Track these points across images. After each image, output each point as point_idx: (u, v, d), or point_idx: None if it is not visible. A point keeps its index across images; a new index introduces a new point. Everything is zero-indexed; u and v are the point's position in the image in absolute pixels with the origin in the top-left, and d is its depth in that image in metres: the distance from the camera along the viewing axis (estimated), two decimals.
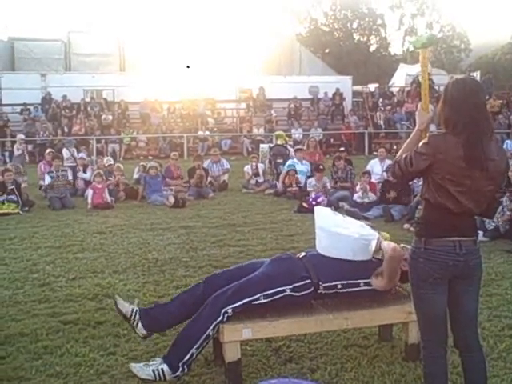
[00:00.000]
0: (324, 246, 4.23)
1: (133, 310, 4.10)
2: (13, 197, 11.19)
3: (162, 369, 3.81)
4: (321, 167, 12.35)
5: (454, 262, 3.10)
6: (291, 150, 15.33)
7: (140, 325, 4.03)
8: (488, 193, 3.12)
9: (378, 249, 4.12)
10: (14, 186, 11.34)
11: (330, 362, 4.21)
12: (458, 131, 3.02)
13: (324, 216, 4.41)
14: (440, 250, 3.10)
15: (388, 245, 4.02)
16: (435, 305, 3.19)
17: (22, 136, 19.77)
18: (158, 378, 3.80)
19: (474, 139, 3.00)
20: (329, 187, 11.80)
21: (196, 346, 3.84)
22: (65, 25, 35.00)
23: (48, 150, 15.26)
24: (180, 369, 3.82)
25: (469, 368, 3.29)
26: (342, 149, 15.75)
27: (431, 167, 3.04)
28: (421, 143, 3.11)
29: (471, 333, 3.27)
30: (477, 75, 28.92)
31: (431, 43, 3.46)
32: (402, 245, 4.28)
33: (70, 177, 12.93)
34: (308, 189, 11.88)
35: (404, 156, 3.13)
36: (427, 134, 3.20)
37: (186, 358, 3.83)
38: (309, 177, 12.65)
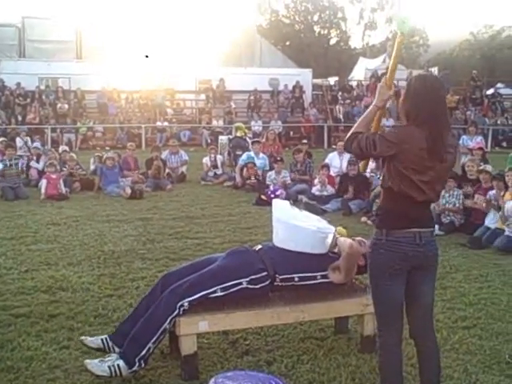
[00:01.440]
0: (281, 238, 4.22)
1: (102, 339, 4.07)
2: None
3: (118, 364, 3.76)
4: (278, 158, 12.40)
5: (414, 253, 3.15)
6: (250, 142, 15.31)
7: (117, 348, 3.96)
8: (444, 183, 3.23)
9: (335, 244, 4.13)
10: None
11: (287, 355, 4.22)
12: (419, 123, 3.10)
13: (282, 209, 4.41)
14: (401, 241, 3.15)
15: (344, 242, 4.03)
16: (393, 295, 3.23)
17: None
18: (114, 374, 3.75)
19: (435, 133, 3.09)
20: (288, 181, 11.81)
21: (152, 340, 3.80)
22: (19, 10, 34.07)
23: (1, 139, 14.87)
24: (137, 364, 3.78)
25: (423, 358, 3.35)
26: (305, 141, 15.80)
27: (395, 156, 3.10)
28: (388, 130, 3.21)
29: (427, 322, 3.33)
30: (435, 71, 29.37)
31: (407, 29, 3.70)
32: (358, 238, 4.31)
33: (21, 164, 12.58)
34: (267, 182, 11.88)
35: (365, 136, 3.14)
36: (384, 112, 3.28)
37: (143, 352, 3.78)
38: (266, 170, 12.68)
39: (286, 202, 4.60)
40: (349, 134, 3.24)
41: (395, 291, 3.23)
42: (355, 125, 3.27)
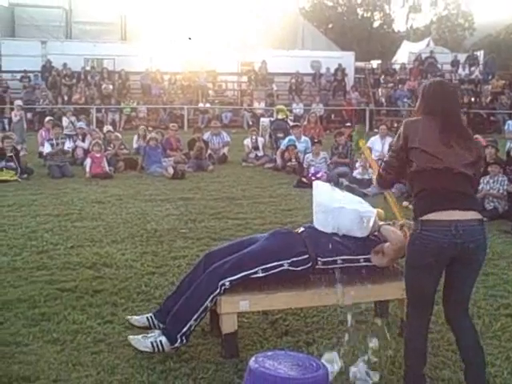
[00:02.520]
0: (322, 221, 4.22)
1: (148, 318, 4.14)
2: (11, 164, 11.16)
3: (161, 341, 3.84)
4: (315, 140, 12.37)
5: (450, 245, 3.07)
6: (291, 124, 15.27)
7: (162, 325, 4.03)
8: (468, 161, 3.17)
9: (377, 228, 4.12)
10: (12, 153, 11.30)
11: (326, 336, 4.23)
12: (430, 114, 3.22)
13: (322, 191, 4.40)
14: (435, 233, 3.07)
15: (390, 234, 4.00)
16: (424, 286, 3.23)
17: (20, 102, 19.61)
18: (156, 350, 3.83)
19: (446, 121, 3.19)
20: (328, 162, 11.75)
21: (194, 317, 3.85)
22: None
23: (48, 118, 15.18)
24: (178, 340, 3.84)
25: (460, 343, 3.35)
26: (348, 124, 15.67)
27: (406, 140, 3.19)
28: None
29: (460, 307, 3.32)
30: (480, 54, 28.70)
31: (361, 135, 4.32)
32: (401, 221, 4.27)
33: (69, 145, 12.83)
34: (304, 164, 11.84)
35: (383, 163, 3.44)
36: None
37: (185, 329, 3.85)
38: (309, 153, 12.65)
39: (327, 184, 4.59)
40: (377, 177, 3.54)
41: (426, 283, 3.21)
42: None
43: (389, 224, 4.23)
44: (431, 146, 3.12)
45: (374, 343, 3.94)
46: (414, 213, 3.25)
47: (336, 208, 4.16)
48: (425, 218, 3.11)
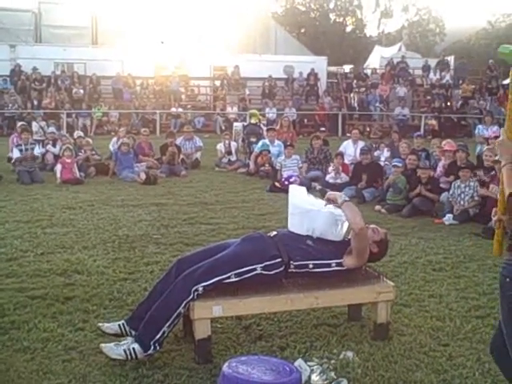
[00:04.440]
0: (296, 223, 4.23)
1: (119, 325, 4.10)
2: None
3: (134, 348, 3.80)
4: (288, 143, 12.41)
5: None
6: (264, 129, 15.29)
7: (134, 332, 3.99)
8: None
9: (349, 230, 4.14)
10: None
11: (300, 341, 4.24)
12: None
13: (298, 194, 4.41)
14: None
15: (355, 224, 4.01)
16: None
17: None
18: (129, 358, 3.80)
19: None
20: (300, 165, 11.77)
21: (167, 324, 3.83)
22: None
23: (20, 123, 14.95)
24: (152, 347, 3.82)
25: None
26: (323, 129, 15.72)
27: None
28: None
29: None
30: (451, 59, 29.12)
31: None
32: (372, 225, 4.32)
33: (39, 151, 12.64)
34: (277, 166, 11.84)
35: None
36: None
37: (158, 336, 3.82)
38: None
39: (303, 189, 4.60)
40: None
41: None
42: (507, 187, 2.86)
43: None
44: None
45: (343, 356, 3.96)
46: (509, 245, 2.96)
47: (312, 210, 4.18)
48: None
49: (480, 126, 15.46)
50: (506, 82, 26.51)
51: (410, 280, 5.67)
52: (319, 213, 4.15)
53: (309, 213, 4.16)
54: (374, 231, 4.23)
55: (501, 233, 3.11)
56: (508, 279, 2.79)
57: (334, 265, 4.10)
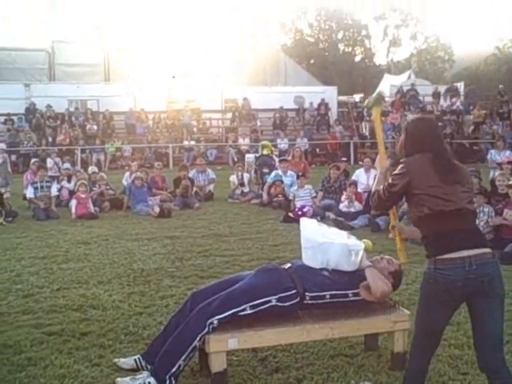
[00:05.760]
0: (310, 256, 4.22)
1: (135, 359, 4.11)
2: None
3: (149, 382, 3.79)
4: (300, 174, 12.43)
5: (465, 282, 3.08)
6: (277, 160, 15.35)
7: (150, 366, 3.99)
8: (471, 198, 3.28)
9: (365, 263, 4.13)
10: (2, 196, 11.24)
11: (317, 372, 4.20)
12: (424, 154, 3.28)
13: (310, 227, 4.41)
14: (449, 271, 3.09)
15: (371, 281, 4.03)
16: (437, 323, 3.25)
17: (3, 145, 19.61)
18: None
19: (439, 155, 3.27)
20: (313, 195, 11.79)
21: (183, 357, 3.82)
22: (49, 34, 34.86)
23: (33, 160, 15.13)
24: (167, 381, 3.80)
25: None
26: (345, 159, 15.68)
27: (411, 183, 3.22)
28: (396, 169, 3.33)
29: (497, 356, 3.21)
30: (461, 86, 29.19)
31: (379, 103, 4.16)
32: (387, 256, 4.30)
33: (55, 188, 12.70)
34: (290, 197, 11.87)
35: (383, 187, 3.39)
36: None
37: (173, 370, 3.81)
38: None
39: (314, 221, 4.61)
40: (372, 194, 3.53)
41: (438, 320, 3.23)
42: (373, 186, 3.59)
43: (376, 260, 4.26)
44: (438, 188, 3.17)
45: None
46: (426, 251, 3.26)
47: (325, 242, 4.17)
48: (439, 257, 3.14)
49: (492, 151, 15.41)
50: None
51: None
52: (332, 245, 4.14)
53: (322, 245, 4.16)
54: (389, 262, 4.22)
55: (399, 239, 3.69)
56: (431, 281, 3.18)
57: (350, 295, 4.09)
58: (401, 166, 3.30)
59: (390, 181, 3.33)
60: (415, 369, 3.37)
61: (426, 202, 3.17)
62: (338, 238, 4.29)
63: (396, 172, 3.30)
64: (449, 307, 3.19)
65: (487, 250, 3.17)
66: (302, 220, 4.57)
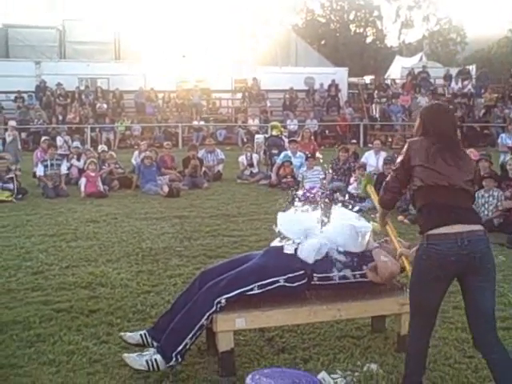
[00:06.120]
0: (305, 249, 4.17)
1: (141, 335, 4.13)
2: (9, 185, 11.13)
3: (156, 359, 3.81)
4: (309, 155, 12.39)
5: (457, 257, 3.13)
6: (286, 140, 15.31)
7: (156, 343, 4.01)
8: (468, 178, 3.30)
9: (372, 245, 4.13)
10: (13, 175, 11.30)
11: (323, 353, 4.22)
12: (427, 135, 3.36)
13: (286, 221, 4.39)
14: (442, 246, 3.13)
15: (378, 262, 4.03)
16: (431, 299, 3.28)
17: (13, 122, 19.62)
18: (151, 369, 3.80)
19: (442, 139, 3.31)
20: (322, 176, 11.78)
21: (190, 336, 3.84)
22: (60, 12, 34.75)
23: (43, 138, 15.17)
24: (174, 359, 3.82)
25: (492, 370, 3.29)
26: (354, 141, 15.62)
27: (410, 159, 3.31)
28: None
29: (489, 332, 3.27)
30: (473, 68, 28.89)
31: (369, 182, 4.61)
32: (400, 249, 4.29)
33: (66, 168, 12.71)
34: (298, 178, 11.88)
35: (388, 179, 3.54)
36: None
37: (180, 348, 3.83)
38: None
39: (289, 211, 4.57)
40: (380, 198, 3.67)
41: (432, 296, 3.26)
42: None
43: (384, 241, 4.25)
44: (434, 163, 3.23)
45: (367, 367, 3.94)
46: (419, 227, 3.32)
47: (308, 232, 4.20)
48: (430, 232, 3.18)
49: (503, 135, 15.30)
50: None
51: None
52: (340, 226, 4.16)
53: (308, 235, 4.17)
54: (400, 245, 4.21)
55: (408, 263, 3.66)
56: (424, 257, 3.23)
57: (358, 276, 4.09)
58: (403, 148, 3.45)
59: (393, 169, 3.53)
60: (414, 351, 3.41)
61: (420, 174, 3.26)
62: (347, 218, 4.30)
63: (399, 156, 3.47)
64: (442, 283, 3.23)
65: (479, 226, 3.23)
66: (278, 217, 4.48)
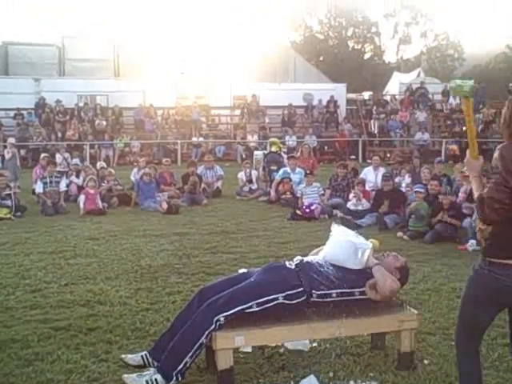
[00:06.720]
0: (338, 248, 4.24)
1: (142, 356, 4.12)
2: (7, 202, 11.12)
3: (156, 379, 3.80)
4: (308, 171, 12.41)
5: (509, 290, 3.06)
6: (285, 157, 15.34)
7: (157, 363, 4.00)
8: None
9: (372, 263, 4.13)
10: (11, 191, 11.29)
11: (323, 370, 4.20)
12: None
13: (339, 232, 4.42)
14: (503, 274, 3.06)
15: (382, 281, 4.02)
16: (481, 321, 3.26)
17: (12, 140, 19.66)
18: None
19: None
20: (321, 192, 11.78)
21: (189, 354, 3.83)
22: (59, 30, 34.98)
23: (43, 155, 15.18)
24: (174, 378, 3.81)
25: None
26: (354, 157, 15.66)
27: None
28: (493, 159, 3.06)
29: None
30: None
31: (471, 95, 3.34)
32: (393, 253, 4.30)
33: (64, 183, 12.71)
34: (297, 194, 11.88)
35: (489, 189, 3.02)
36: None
37: (180, 366, 3.82)
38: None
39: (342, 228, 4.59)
40: (476, 204, 3.12)
41: (483, 318, 3.24)
42: (475, 194, 3.15)
43: (382, 255, 4.25)
44: None
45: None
46: (485, 250, 3.16)
47: (331, 239, 4.19)
48: (497, 261, 3.08)
49: None
50: None
51: (433, 308, 5.60)
52: (339, 242, 4.16)
53: (329, 242, 4.17)
54: (395, 257, 4.24)
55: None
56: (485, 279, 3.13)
57: (357, 294, 4.08)
58: (499, 155, 3.03)
59: (497, 183, 3.00)
60: (466, 372, 3.37)
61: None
62: (346, 236, 4.30)
63: (501, 171, 2.99)
64: (494, 307, 3.21)
65: None
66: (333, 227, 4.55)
